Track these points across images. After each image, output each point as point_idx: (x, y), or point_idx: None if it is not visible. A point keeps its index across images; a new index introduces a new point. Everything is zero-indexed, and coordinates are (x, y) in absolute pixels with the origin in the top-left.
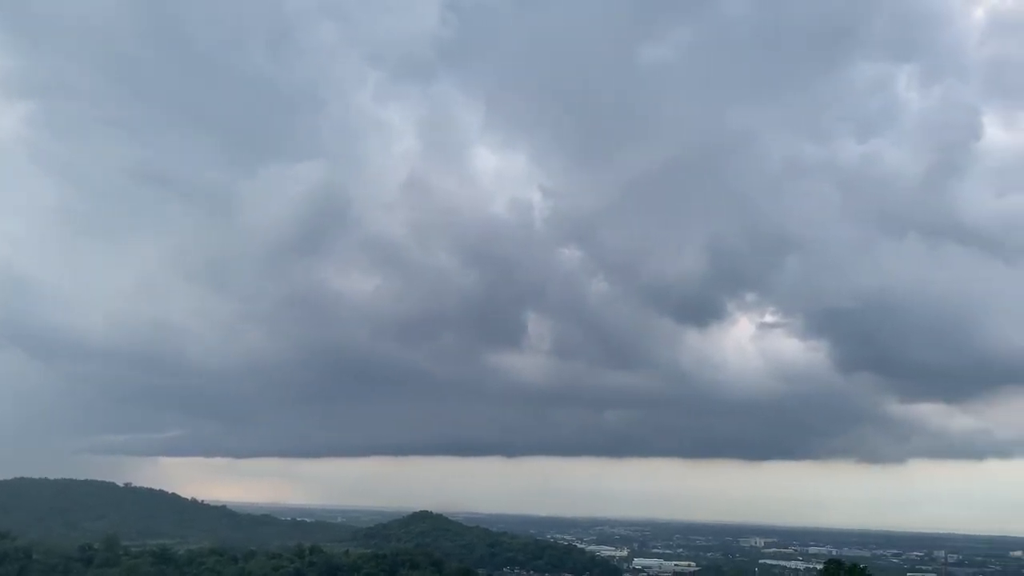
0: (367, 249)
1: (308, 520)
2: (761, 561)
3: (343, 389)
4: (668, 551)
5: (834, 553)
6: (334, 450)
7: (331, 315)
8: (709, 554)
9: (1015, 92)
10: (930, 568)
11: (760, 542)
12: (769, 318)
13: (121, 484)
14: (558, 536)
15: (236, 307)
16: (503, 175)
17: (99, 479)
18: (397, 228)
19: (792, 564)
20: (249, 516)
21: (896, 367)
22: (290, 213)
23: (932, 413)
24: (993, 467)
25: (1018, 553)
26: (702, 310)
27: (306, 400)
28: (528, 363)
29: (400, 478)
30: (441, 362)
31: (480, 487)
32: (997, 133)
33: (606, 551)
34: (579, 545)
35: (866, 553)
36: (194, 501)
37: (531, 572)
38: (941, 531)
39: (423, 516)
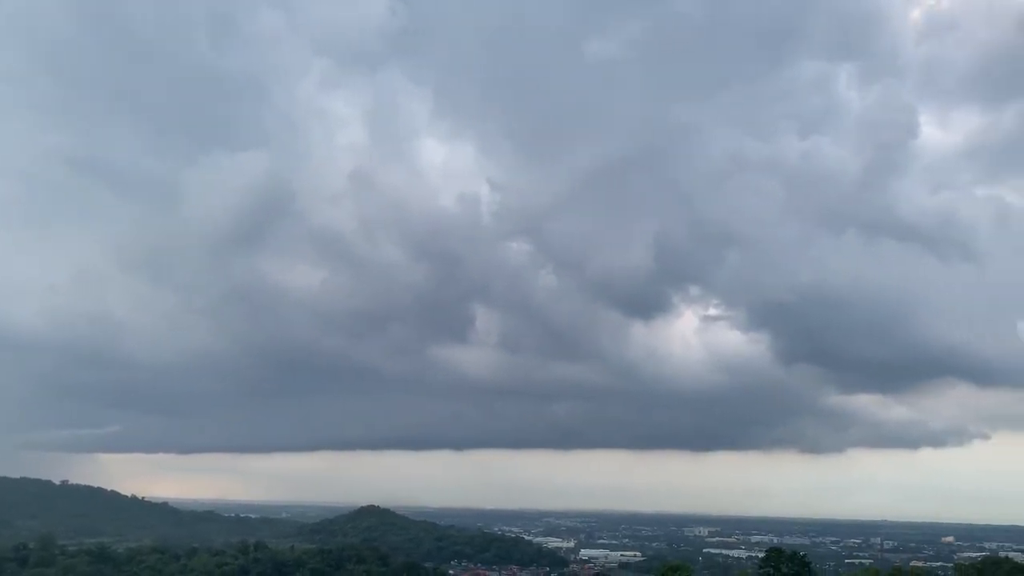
0: (313, 241)
1: (252, 516)
2: (705, 550)
3: (289, 383)
4: (614, 542)
5: (775, 541)
6: (280, 445)
7: (276, 308)
8: (654, 544)
9: (950, 92)
10: (867, 554)
11: (704, 531)
12: (713, 311)
13: (57, 482)
14: (506, 529)
15: (177, 299)
16: (451, 168)
17: (34, 476)
18: (343, 220)
19: (735, 553)
20: (192, 513)
21: (835, 359)
22: (233, 204)
23: (870, 404)
24: (927, 456)
25: (949, 539)
26: (648, 303)
27: (251, 394)
28: (476, 357)
29: (347, 473)
30: (389, 356)
31: (428, 481)
32: (933, 132)
33: (553, 543)
34: (526, 537)
35: (806, 541)
36: (134, 498)
37: (478, 565)
38: (878, 518)
39: (370, 511)
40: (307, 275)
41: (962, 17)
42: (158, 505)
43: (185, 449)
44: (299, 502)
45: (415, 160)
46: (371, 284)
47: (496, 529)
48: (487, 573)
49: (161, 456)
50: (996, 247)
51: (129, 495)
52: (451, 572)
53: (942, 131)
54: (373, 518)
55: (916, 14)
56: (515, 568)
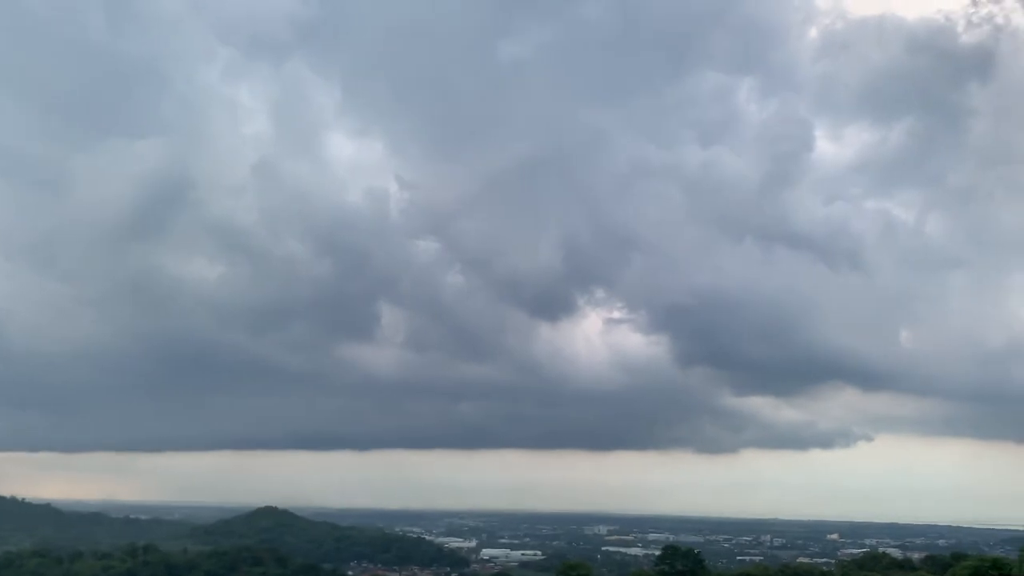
0: (212, 233)
1: (143, 518)
2: (603, 548)
3: (185, 380)
4: (515, 541)
5: (671, 539)
6: (174, 444)
7: (172, 301)
8: (555, 543)
9: (843, 108)
10: (757, 551)
11: (603, 530)
12: (616, 314)
13: None
14: (407, 529)
15: (65, 290)
16: (359, 163)
17: None
18: (245, 213)
19: (632, 551)
20: (77, 514)
21: (731, 362)
22: (128, 192)
23: (763, 406)
24: (815, 456)
25: (834, 536)
26: (554, 305)
27: (144, 391)
28: (382, 355)
29: (244, 473)
30: (291, 353)
31: (330, 481)
32: (827, 146)
33: (455, 543)
34: (428, 537)
35: (700, 539)
36: (14, 499)
37: (378, 566)
38: (768, 516)
39: (267, 512)
40: (206, 267)
41: (856, 37)
42: (40, 506)
43: (70, 447)
44: (193, 503)
45: (322, 154)
46: (273, 279)
47: (398, 529)
48: (387, 574)
49: (44, 455)
50: (882, 258)
51: (8, 496)
52: (350, 573)
53: (835, 145)
54: (271, 519)
55: (813, 32)
56: (416, 568)
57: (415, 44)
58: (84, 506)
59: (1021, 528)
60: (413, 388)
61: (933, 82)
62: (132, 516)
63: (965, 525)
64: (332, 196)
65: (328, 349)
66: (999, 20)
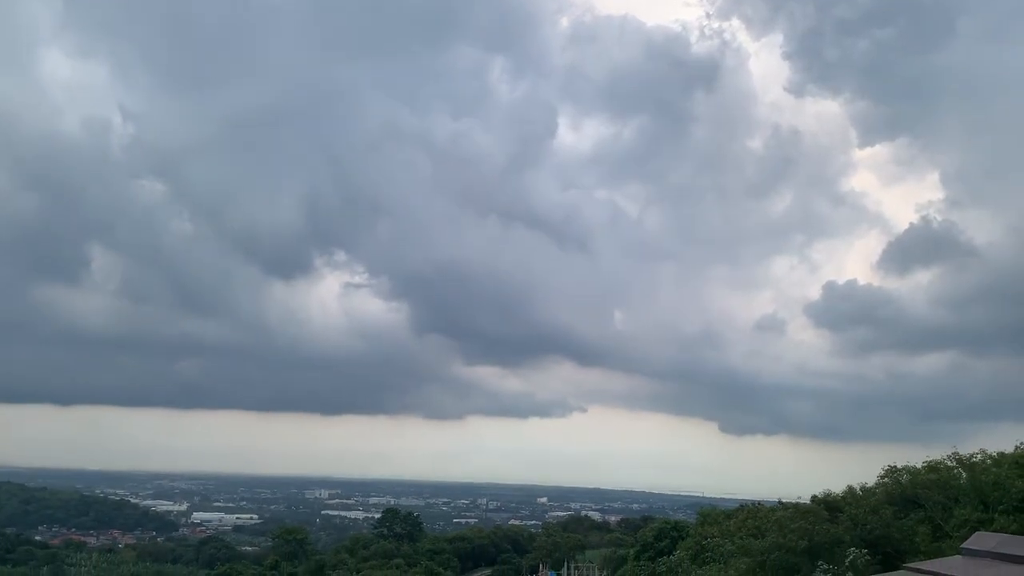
0: None
1: None
2: (323, 512)
3: None
4: (231, 504)
5: (392, 503)
6: None
7: None
8: (272, 507)
9: (585, 99)
10: (473, 514)
11: (324, 494)
12: (356, 278)
13: None
14: (110, 491)
15: None
16: (78, 87)
17: None
18: None
19: (352, 514)
20: None
21: (463, 332)
22: None
23: (489, 375)
24: (533, 425)
25: (543, 499)
26: (290, 263)
27: None
28: (91, 303)
29: None
30: None
31: (21, 438)
32: (567, 134)
33: (164, 506)
34: (133, 500)
35: (421, 502)
36: None
37: (72, 529)
38: (486, 480)
39: None
40: None
41: (601, 33)
42: None
43: None
44: None
45: (33, 73)
46: None
47: (99, 491)
48: (82, 538)
49: None
50: (606, 245)
51: None
52: (38, 538)
53: (575, 134)
54: None
55: (565, 22)
56: (116, 533)
57: None
58: None
59: (700, 495)
60: (127, 340)
61: (665, 86)
62: None
63: (656, 491)
64: (43, 122)
65: (26, 292)
66: (727, 36)
